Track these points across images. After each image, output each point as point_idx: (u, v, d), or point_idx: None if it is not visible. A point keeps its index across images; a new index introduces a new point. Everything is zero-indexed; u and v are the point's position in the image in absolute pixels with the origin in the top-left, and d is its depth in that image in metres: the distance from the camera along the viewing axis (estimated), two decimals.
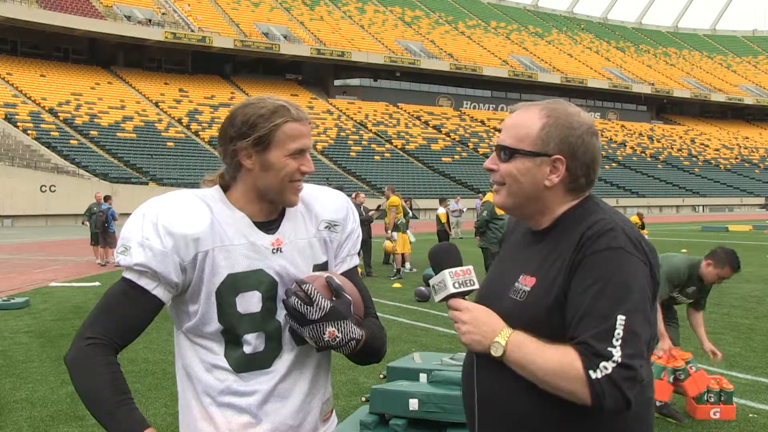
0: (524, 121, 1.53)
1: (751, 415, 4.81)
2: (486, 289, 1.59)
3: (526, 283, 1.48)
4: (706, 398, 4.75)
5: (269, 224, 1.62)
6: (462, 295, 1.50)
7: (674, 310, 5.12)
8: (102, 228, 15.52)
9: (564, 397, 1.37)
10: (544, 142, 1.49)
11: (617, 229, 1.42)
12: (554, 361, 1.36)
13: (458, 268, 1.51)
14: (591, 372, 1.32)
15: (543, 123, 1.50)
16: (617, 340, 1.33)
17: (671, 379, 4.67)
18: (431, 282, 1.56)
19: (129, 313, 1.53)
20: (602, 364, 1.32)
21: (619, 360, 1.32)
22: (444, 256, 1.54)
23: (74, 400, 5.17)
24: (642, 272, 1.40)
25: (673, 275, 4.71)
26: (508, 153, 1.52)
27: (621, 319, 1.34)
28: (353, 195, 13.98)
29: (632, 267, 1.39)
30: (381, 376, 4.54)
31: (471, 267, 1.54)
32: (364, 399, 4.29)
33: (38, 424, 4.66)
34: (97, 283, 11.87)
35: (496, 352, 1.42)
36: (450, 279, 1.50)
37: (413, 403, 3.77)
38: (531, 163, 1.50)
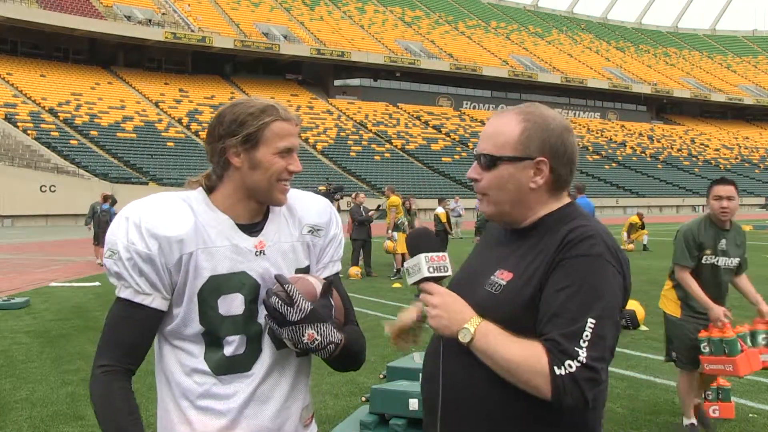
0: (503, 127, 1.56)
1: (751, 415, 4.81)
2: (460, 279, 1.61)
3: (502, 277, 1.51)
4: (704, 395, 4.75)
5: (253, 227, 1.62)
6: (435, 280, 1.52)
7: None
8: (104, 228, 15.50)
9: (526, 390, 1.41)
10: (525, 146, 1.53)
11: (597, 237, 1.47)
12: (520, 353, 1.40)
13: (434, 254, 1.53)
14: (555, 368, 1.36)
15: (522, 127, 1.54)
16: (584, 341, 1.37)
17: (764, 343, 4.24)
18: (406, 265, 1.57)
19: (132, 332, 1.56)
20: (567, 362, 1.36)
21: (584, 360, 1.36)
22: (421, 240, 1.55)
23: (74, 400, 5.17)
24: (616, 281, 1.46)
25: (688, 235, 4.39)
26: (490, 161, 1.55)
27: (591, 322, 1.38)
28: (353, 195, 13.98)
29: (607, 275, 1.44)
30: (381, 376, 4.54)
31: (446, 254, 1.56)
32: (364, 399, 4.29)
33: (38, 424, 4.66)
34: (97, 283, 11.86)
35: (464, 338, 1.45)
36: (425, 263, 1.51)
37: (413, 403, 3.77)
38: (514, 168, 1.54)
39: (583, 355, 1.36)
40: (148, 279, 1.53)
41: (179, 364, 1.59)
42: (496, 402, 1.47)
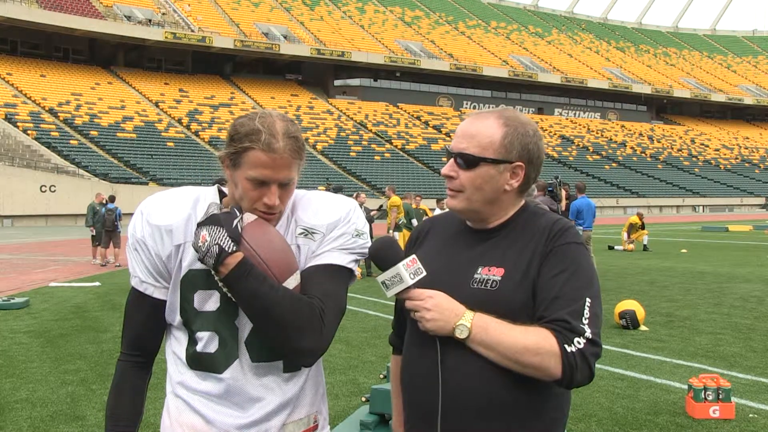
0: (485, 129, 1.59)
1: (751, 415, 4.81)
2: (431, 284, 1.56)
3: (493, 273, 1.54)
4: (704, 396, 4.75)
5: None
6: (416, 285, 1.52)
7: None
8: (112, 227, 15.38)
9: (530, 374, 1.46)
10: (507, 149, 1.58)
11: (575, 229, 1.61)
12: (526, 338, 1.44)
13: (407, 260, 1.52)
14: (566, 346, 1.43)
15: (505, 132, 1.58)
16: (586, 318, 1.47)
17: None
18: (381, 278, 1.53)
19: (138, 321, 1.64)
20: (576, 339, 1.44)
21: (590, 336, 1.45)
22: (390, 250, 1.54)
23: (74, 400, 5.17)
24: (594, 267, 1.59)
25: None
26: (471, 161, 1.58)
27: (588, 301, 1.49)
28: (354, 195, 14.00)
29: (590, 260, 1.57)
30: (381, 376, 4.54)
31: (415, 255, 1.55)
32: (364, 399, 4.29)
33: (38, 424, 4.66)
34: (97, 283, 11.87)
35: (461, 334, 1.47)
36: (405, 271, 1.50)
37: None
38: (494, 171, 1.58)
39: (588, 331, 1.45)
40: (146, 266, 1.59)
41: (170, 349, 1.65)
42: (496, 392, 1.50)
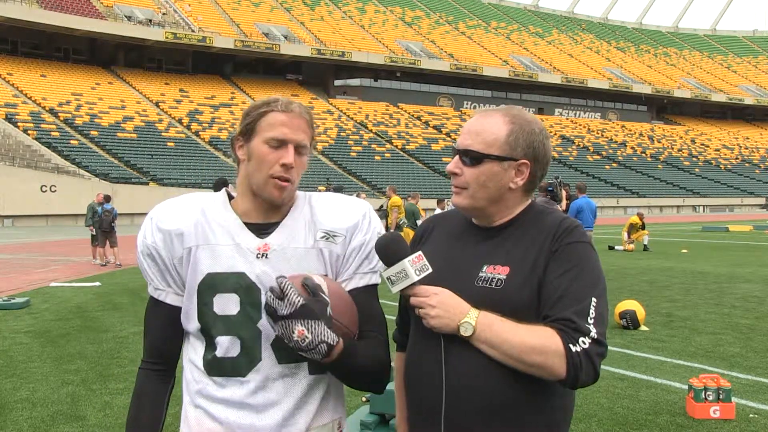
0: (490, 126, 1.59)
1: (751, 415, 4.81)
2: (436, 281, 1.56)
3: (498, 271, 1.54)
4: (704, 396, 4.75)
5: (264, 227, 1.60)
6: (421, 282, 1.51)
7: None
8: (109, 228, 15.38)
9: (534, 373, 1.45)
10: (512, 147, 1.58)
11: (582, 228, 1.59)
12: (530, 337, 1.44)
13: (413, 256, 1.51)
14: (571, 346, 1.43)
15: (510, 129, 1.58)
16: (591, 318, 1.46)
17: None
18: (386, 274, 1.52)
19: (156, 328, 1.65)
20: (581, 339, 1.44)
21: (595, 336, 1.45)
22: (396, 246, 1.53)
23: (74, 400, 5.17)
24: (601, 266, 1.58)
25: None
26: (475, 158, 1.58)
27: (594, 301, 1.48)
28: (354, 195, 14.00)
29: (597, 260, 1.57)
30: None
31: (421, 252, 1.54)
32: (364, 399, 4.29)
33: (39, 424, 4.66)
34: (97, 283, 11.87)
35: (465, 332, 1.47)
36: (411, 267, 1.49)
37: None
38: (499, 168, 1.58)
39: (594, 331, 1.44)
40: (159, 272, 1.60)
41: (187, 357, 1.63)
42: (500, 391, 1.49)
